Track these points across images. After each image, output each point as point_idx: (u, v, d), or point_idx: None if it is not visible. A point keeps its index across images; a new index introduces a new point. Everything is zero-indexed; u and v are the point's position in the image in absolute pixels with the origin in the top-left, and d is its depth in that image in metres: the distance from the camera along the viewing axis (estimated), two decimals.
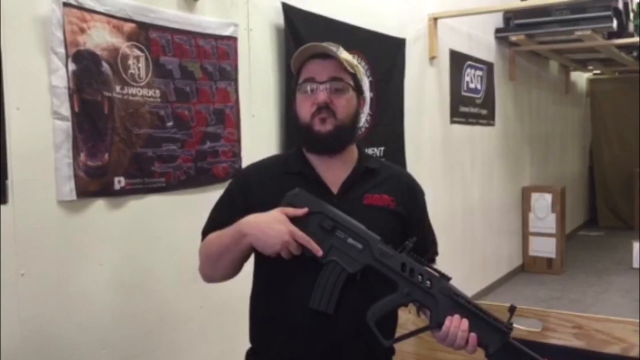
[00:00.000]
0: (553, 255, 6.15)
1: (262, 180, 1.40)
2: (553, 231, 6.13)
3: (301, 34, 2.95)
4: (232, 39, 2.61)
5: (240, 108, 2.65)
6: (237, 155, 2.63)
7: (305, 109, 1.38)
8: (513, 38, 5.60)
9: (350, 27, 3.35)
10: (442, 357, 1.95)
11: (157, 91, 2.27)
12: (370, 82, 3.52)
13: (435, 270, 1.30)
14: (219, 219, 1.40)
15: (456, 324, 1.25)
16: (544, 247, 6.16)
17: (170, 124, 2.32)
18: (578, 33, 5.29)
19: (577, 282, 5.79)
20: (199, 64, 2.44)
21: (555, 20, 5.38)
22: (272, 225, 1.26)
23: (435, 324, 1.26)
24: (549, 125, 7.31)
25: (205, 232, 1.42)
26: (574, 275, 6.03)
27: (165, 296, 2.33)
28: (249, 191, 1.39)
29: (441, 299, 1.27)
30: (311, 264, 1.28)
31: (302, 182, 1.36)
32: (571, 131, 8.42)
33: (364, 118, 3.49)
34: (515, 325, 1.92)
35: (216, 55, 2.53)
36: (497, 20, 5.61)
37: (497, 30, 5.62)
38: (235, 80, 2.62)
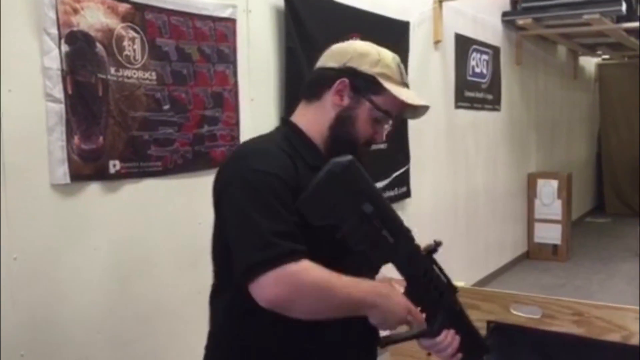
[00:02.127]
0: (558, 242, 6.10)
1: (295, 175, 1.18)
2: (559, 218, 6.08)
3: (302, 16, 2.90)
4: (231, 21, 2.56)
5: (239, 91, 2.61)
6: (235, 139, 2.60)
7: (365, 130, 1.27)
8: (520, 22, 5.51)
9: (352, 10, 3.29)
10: None
11: (154, 73, 2.24)
12: None
13: (445, 276, 1.27)
14: (287, 226, 1.12)
15: (450, 340, 1.26)
16: (550, 234, 6.11)
17: (166, 107, 2.29)
18: (586, 17, 5.20)
19: (582, 270, 5.75)
20: (196, 46, 2.40)
21: (563, 3, 5.30)
22: (398, 300, 1.18)
23: (432, 334, 1.24)
24: (556, 110, 7.23)
25: (295, 251, 1.10)
26: (579, 263, 5.99)
27: (161, 281, 2.32)
28: (294, 189, 1.15)
29: (445, 310, 1.25)
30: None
31: None
32: (579, 117, 8.34)
33: None
34: (515, 312, 1.91)
35: (214, 38, 2.48)
36: (504, 4, 5.53)
37: (504, 14, 5.53)
38: (234, 63, 2.58)
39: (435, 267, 1.25)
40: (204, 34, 2.43)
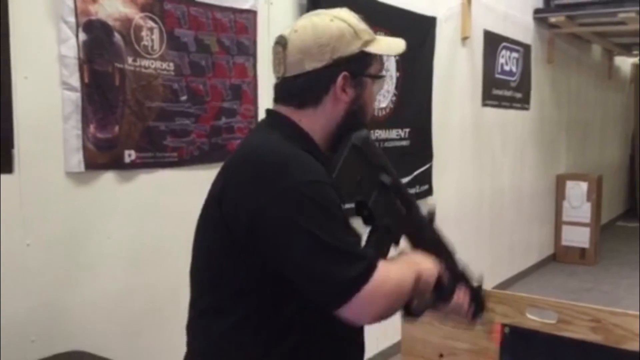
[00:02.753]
0: (586, 245, 5.97)
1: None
2: (587, 221, 5.94)
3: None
4: (252, 13, 2.55)
5: (258, 84, 2.60)
6: None
7: (372, 106, 1.24)
8: (552, 19, 5.39)
9: (377, 4, 3.25)
10: (450, 344, 1.89)
11: (171, 64, 2.23)
12: (397, 62, 3.42)
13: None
14: (355, 233, 1.12)
15: (462, 297, 1.30)
16: (577, 237, 5.98)
17: (184, 98, 2.28)
18: (622, 15, 5.05)
19: (610, 274, 5.61)
20: (215, 37, 2.39)
21: (598, 1, 5.15)
22: (429, 265, 1.19)
23: (448, 294, 1.27)
24: (588, 111, 7.07)
25: (373, 259, 1.07)
26: (607, 267, 5.84)
27: (174, 271, 2.31)
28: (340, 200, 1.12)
29: (451, 271, 1.29)
30: None
31: None
32: (612, 118, 8.14)
33: (388, 98, 3.40)
34: (530, 316, 1.86)
35: (234, 29, 2.47)
36: (536, 0, 5.40)
37: (536, 11, 5.41)
38: (254, 56, 2.57)
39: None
40: (223, 25, 2.42)
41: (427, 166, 3.78)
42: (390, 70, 3.39)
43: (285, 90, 1.19)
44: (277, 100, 1.22)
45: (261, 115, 2.62)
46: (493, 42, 4.65)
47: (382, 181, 1.15)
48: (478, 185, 4.59)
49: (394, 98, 3.42)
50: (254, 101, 2.59)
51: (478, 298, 1.38)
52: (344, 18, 1.17)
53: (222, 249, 1.12)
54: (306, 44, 1.14)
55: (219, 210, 1.10)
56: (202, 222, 1.19)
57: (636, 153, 8.86)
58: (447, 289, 1.25)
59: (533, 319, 1.86)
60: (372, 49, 1.18)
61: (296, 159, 1.08)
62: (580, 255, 6.00)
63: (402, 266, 1.13)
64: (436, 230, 1.27)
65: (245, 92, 2.54)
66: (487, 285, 3.78)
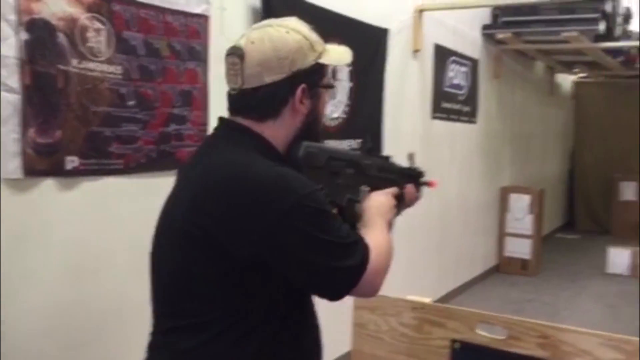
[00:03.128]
0: (528, 257, 6.12)
1: None
2: (529, 232, 6.09)
3: (279, 17, 2.83)
4: (204, 17, 2.48)
5: (210, 91, 2.54)
6: (203, 139, 2.52)
7: (324, 114, 1.31)
8: (500, 36, 5.52)
9: (331, 14, 3.24)
10: (399, 359, 1.88)
11: (119, 67, 2.15)
12: (350, 72, 3.41)
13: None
14: (344, 225, 1.19)
15: (410, 188, 1.54)
16: (520, 248, 6.12)
17: (131, 102, 2.20)
18: (565, 34, 5.22)
19: (551, 285, 5.77)
20: (166, 41, 2.32)
21: (543, 19, 5.31)
22: (384, 201, 1.34)
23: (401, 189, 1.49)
24: (531, 125, 7.27)
25: (361, 239, 1.17)
26: (548, 278, 6.01)
27: (118, 283, 2.22)
28: None
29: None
30: None
31: None
32: (553, 133, 8.40)
33: (341, 108, 3.39)
34: (479, 332, 1.86)
35: (185, 34, 2.40)
36: (485, 17, 5.52)
37: (484, 27, 5.53)
38: (205, 61, 2.50)
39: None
40: (174, 29, 2.35)
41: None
42: (344, 81, 3.38)
43: (244, 102, 1.19)
44: (234, 111, 1.21)
45: (212, 122, 2.55)
46: (443, 55, 4.72)
47: (338, 182, 1.28)
48: (427, 197, 4.60)
49: (347, 108, 3.41)
50: (205, 108, 2.52)
51: (418, 179, 1.61)
52: (299, 30, 1.20)
53: (208, 269, 1.11)
54: (265, 57, 1.15)
55: (200, 230, 1.10)
56: (169, 241, 1.16)
57: (575, 167, 9.17)
58: (402, 202, 1.49)
59: (483, 335, 1.86)
60: (325, 60, 1.22)
61: (289, 174, 1.13)
62: (522, 266, 6.14)
63: (377, 227, 1.25)
64: (378, 158, 1.45)
65: (196, 99, 2.47)
66: (434, 297, 3.80)
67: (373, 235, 1.21)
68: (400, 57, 4.07)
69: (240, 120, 1.20)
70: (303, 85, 1.19)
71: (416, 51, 4.27)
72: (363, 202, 1.32)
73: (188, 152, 2.44)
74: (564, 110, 8.81)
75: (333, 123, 3.31)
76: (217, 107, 2.57)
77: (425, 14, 4.28)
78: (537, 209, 6.09)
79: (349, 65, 3.38)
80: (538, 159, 7.70)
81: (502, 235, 6.21)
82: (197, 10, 2.45)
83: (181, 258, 1.14)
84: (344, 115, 3.40)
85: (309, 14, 3.13)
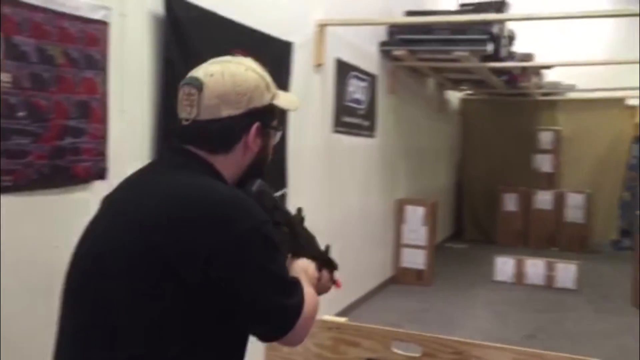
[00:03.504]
0: (423, 267, 6.31)
1: None
2: (424, 243, 6.29)
3: (183, 28, 2.73)
4: (103, 24, 2.33)
5: (109, 102, 2.38)
6: (102, 154, 2.36)
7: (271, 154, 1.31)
8: (396, 52, 5.68)
9: (236, 25, 3.17)
10: None
11: (9, 75, 1.95)
12: None
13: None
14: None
15: (326, 276, 1.47)
16: (415, 259, 6.30)
17: (22, 114, 2.01)
18: (457, 53, 5.46)
19: (444, 295, 5.98)
20: (61, 48, 2.14)
21: (436, 39, 5.53)
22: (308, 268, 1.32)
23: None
24: (423, 140, 7.54)
25: (299, 283, 1.19)
26: (441, 287, 6.22)
27: (9, 309, 2.01)
28: None
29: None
30: None
31: None
32: (442, 147, 8.77)
33: None
34: (395, 350, 1.86)
35: (83, 41, 2.24)
36: (382, 34, 5.67)
37: (382, 44, 5.67)
38: (104, 70, 2.35)
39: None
40: (71, 35, 2.18)
41: (281, 192, 3.74)
42: None
43: (196, 133, 1.18)
44: (184, 141, 1.20)
45: (113, 135, 2.41)
46: (344, 70, 4.77)
47: (276, 220, 1.26)
48: (328, 210, 4.65)
49: None
50: (104, 120, 2.36)
51: (332, 267, 1.56)
52: (256, 69, 1.23)
53: (159, 296, 1.06)
54: (225, 90, 1.17)
55: (150, 255, 1.06)
56: (116, 271, 1.08)
57: (462, 180, 9.63)
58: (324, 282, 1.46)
59: (398, 353, 1.86)
60: (278, 102, 1.26)
61: (249, 200, 1.15)
62: (417, 276, 6.32)
63: (306, 281, 1.23)
64: (307, 232, 1.42)
65: (95, 110, 2.31)
66: (334, 310, 3.79)
67: (304, 284, 1.21)
68: (304, 71, 4.06)
69: (191, 149, 1.20)
70: (258, 123, 1.21)
71: (318, 65, 4.29)
72: (291, 263, 1.31)
73: (85, 167, 2.27)
74: (452, 126, 9.24)
75: None
76: (117, 119, 2.43)
77: (327, 29, 4.31)
78: (431, 220, 6.31)
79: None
80: (430, 172, 8.00)
81: (398, 246, 6.36)
82: (96, 16, 2.30)
83: (125, 289, 1.07)
84: None
85: (215, 25, 3.06)
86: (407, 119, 6.72)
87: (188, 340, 1.08)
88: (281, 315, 1.12)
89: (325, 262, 1.47)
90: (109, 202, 1.24)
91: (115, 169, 2.41)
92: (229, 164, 1.21)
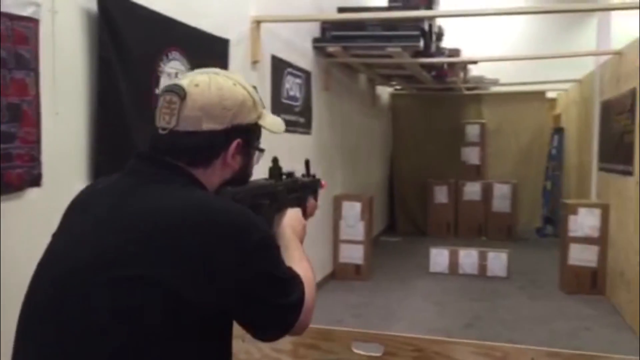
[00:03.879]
0: (361, 262, 6.36)
1: None
2: (361, 238, 6.34)
3: (118, 24, 2.61)
4: (33, 21, 2.19)
5: (42, 104, 2.24)
6: (36, 159, 2.22)
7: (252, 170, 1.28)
8: (330, 49, 5.67)
9: (172, 22, 3.05)
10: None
11: None
12: None
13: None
14: None
15: (312, 202, 1.59)
16: (353, 254, 6.34)
17: None
18: (390, 49, 5.52)
19: (383, 288, 6.05)
20: None
21: (369, 35, 5.56)
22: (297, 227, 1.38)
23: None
24: (357, 136, 7.60)
25: (298, 276, 1.17)
26: (379, 281, 6.29)
27: None
28: None
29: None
30: None
31: None
32: (376, 142, 8.87)
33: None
34: (356, 350, 1.85)
35: (11, 39, 2.10)
36: (315, 30, 5.65)
37: (315, 40, 5.65)
38: (36, 71, 2.21)
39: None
40: None
41: None
42: None
43: (173, 144, 1.11)
44: (160, 152, 1.13)
45: (46, 140, 2.26)
46: (279, 67, 4.72)
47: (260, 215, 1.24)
48: None
49: None
50: (37, 123, 2.22)
51: (317, 188, 1.66)
52: (245, 86, 1.19)
53: (157, 315, 0.99)
54: (210, 103, 1.11)
55: (154, 277, 0.99)
56: (102, 291, 1.00)
57: (393, 174, 9.79)
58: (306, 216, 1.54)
59: (359, 353, 1.85)
60: (263, 122, 1.22)
61: (248, 210, 1.13)
62: (355, 271, 6.37)
63: (297, 253, 1.28)
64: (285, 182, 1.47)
65: (26, 113, 2.17)
66: None
67: (300, 267, 1.20)
68: (241, 68, 3.98)
69: (168, 160, 1.13)
70: (239, 140, 1.16)
71: (255, 62, 4.22)
72: (277, 226, 1.34)
73: (18, 174, 2.13)
74: (383, 121, 9.36)
75: None
76: (51, 122, 2.29)
77: (263, 26, 4.25)
78: (368, 215, 6.36)
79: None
80: (364, 167, 8.08)
81: (336, 242, 6.38)
82: (25, 12, 2.15)
83: (118, 307, 0.99)
84: None
85: (151, 22, 2.94)
86: (341, 115, 6.74)
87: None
88: (287, 314, 1.12)
89: (309, 188, 1.55)
90: (84, 216, 1.12)
91: (50, 175, 2.28)
92: (207, 180, 1.16)
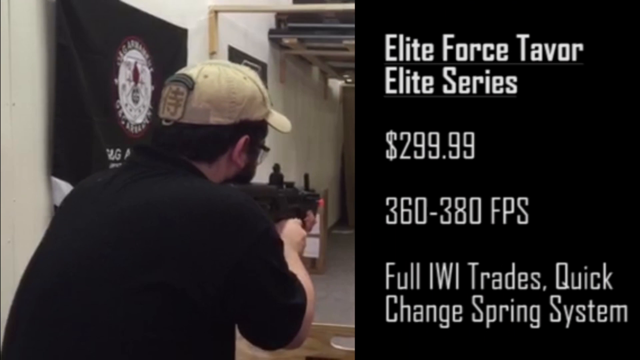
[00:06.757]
0: (317, 256, 6.35)
1: None
2: (317, 232, 6.32)
3: (76, 11, 2.50)
4: None
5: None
6: None
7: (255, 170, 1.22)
8: (286, 41, 5.62)
9: (131, 10, 2.95)
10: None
11: None
12: (152, 74, 3.15)
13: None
14: None
15: (311, 216, 1.51)
16: (309, 248, 6.26)
17: None
18: (346, 42, 5.51)
19: (339, 281, 6.06)
20: None
21: (325, 27, 5.53)
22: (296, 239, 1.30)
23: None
24: (311, 129, 7.58)
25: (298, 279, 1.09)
26: (335, 274, 6.30)
27: None
28: None
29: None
30: None
31: None
32: (328, 136, 8.88)
33: (144, 113, 3.12)
34: (335, 346, 1.83)
35: None
36: (271, 21, 5.58)
37: (270, 32, 5.59)
38: None
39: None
40: None
41: None
42: (146, 83, 3.11)
43: (178, 137, 1.05)
44: (162, 143, 1.07)
45: (2, 131, 2.14)
46: (236, 58, 4.63)
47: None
48: None
49: (149, 113, 3.14)
50: None
51: (315, 203, 1.61)
52: (255, 81, 1.15)
53: (165, 315, 0.93)
54: (219, 95, 1.06)
55: (156, 269, 0.93)
56: (103, 294, 0.93)
57: (344, 167, 9.82)
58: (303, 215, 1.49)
59: (339, 349, 1.83)
60: (271, 120, 1.17)
61: (255, 203, 1.06)
62: (312, 265, 6.35)
63: (297, 264, 1.16)
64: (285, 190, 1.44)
65: None
66: None
67: (301, 277, 1.11)
68: (198, 58, 3.88)
69: (171, 153, 1.07)
70: (246, 137, 1.10)
71: (212, 53, 4.13)
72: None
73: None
74: (335, 114, 9.38)
75: (137, 130, 3.02)
76: (7, 114, 2.18)
77: (220, 16, 4.17)
78: (323, 208, 6.36)
79: (149, 66, 3.12)
80: (318, 160, 8.07)
81: None
82: None
83: (124, 309, 0.92)
84: (147, 121, 3.13)
85: (110, 9, 2.82)
86: (295, 108, 6.70)
87: None
88: (292, 317, 1.04)
89: (307, 202, 1.51)
90: (84, 211, 1.05)
91: (6, 168, 2.17)
92: (211, 175, 1.10)
